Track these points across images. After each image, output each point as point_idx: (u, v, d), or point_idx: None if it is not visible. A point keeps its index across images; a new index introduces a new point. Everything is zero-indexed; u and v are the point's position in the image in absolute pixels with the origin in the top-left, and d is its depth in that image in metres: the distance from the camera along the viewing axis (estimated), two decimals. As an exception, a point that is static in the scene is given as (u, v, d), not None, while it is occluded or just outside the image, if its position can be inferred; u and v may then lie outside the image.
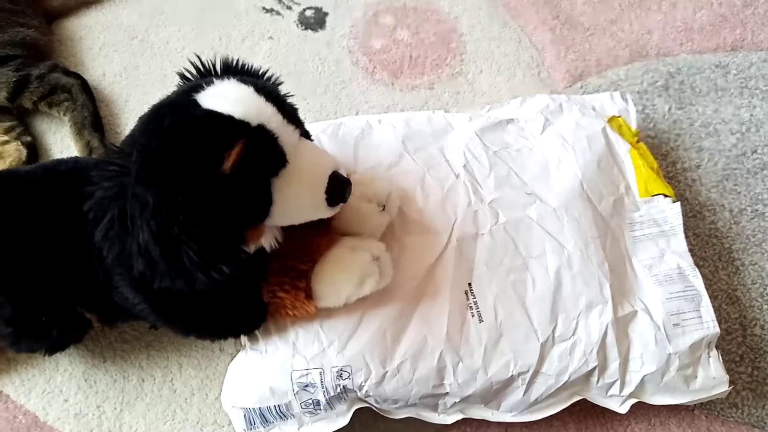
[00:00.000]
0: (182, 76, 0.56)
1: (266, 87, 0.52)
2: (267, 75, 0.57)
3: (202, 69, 0.55)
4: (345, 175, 0.55)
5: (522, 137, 0.75)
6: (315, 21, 0.98)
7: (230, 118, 0.47)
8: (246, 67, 0.56)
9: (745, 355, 0.76)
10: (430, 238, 0.65)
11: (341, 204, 0.56)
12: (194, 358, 0.75)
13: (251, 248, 0.55)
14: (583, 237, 0.66)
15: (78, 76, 0.88)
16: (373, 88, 0.93)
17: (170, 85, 0.89)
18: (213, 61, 0.54)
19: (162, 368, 0.75)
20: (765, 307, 0.79)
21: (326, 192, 0.53)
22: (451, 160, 0.72)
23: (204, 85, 0.49)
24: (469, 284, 0.64)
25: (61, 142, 0.87)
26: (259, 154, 0.48)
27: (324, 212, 0.56)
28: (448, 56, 0.96)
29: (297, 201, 0.52)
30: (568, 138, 0.74)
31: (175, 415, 0.72)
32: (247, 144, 0.47)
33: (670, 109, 0.93)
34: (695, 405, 0.73)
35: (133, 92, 0.91)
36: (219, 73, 0.54)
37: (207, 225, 0.47)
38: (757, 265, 0.82)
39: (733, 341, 0.76)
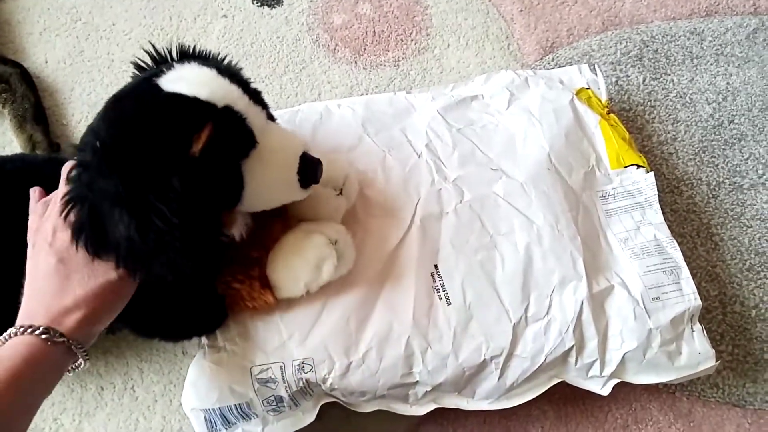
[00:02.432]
0: (137, 66, 0.53)
1: (229, 69, 0.51)
2: (226, 60, 0.54)
3: (157, 57, 0.52)
4: (316, 156, 0.53)
5: (487, 113, 0.72)
6: (272, -3, 0.93)
7: (196, 99, 0.45)
8: (204, 52, 0.53)
9: (726, 333, 0.73)
10: (393, 219, 0.62)
11: (313, 186, 0.54)
12: (156, 362, 0.71)
13: (232, 234, 0.53)
14: (552, 211, 0.62)
15: (16, 65, 0.82)
16: (336, 67, 0.88)
17: (118, 71, 0.87)
18: (168, 49, 0.52)
19: (122, 375, 0.70)
20: (745, 283, 0.76)
21: (298, 173, 0.51)
22: (413, 140, 0.68)
23: (164, 69, 0.47)
24: (435, 266, 0.60)
25: (3, 136, 0.82)
26: (228, 135, 0.46)
27: (297, 194, 0.54)
28: (413, 30, 0.92)
29: (269, 183, 0.51)
30: (534, 112, 0.70)
31: (137, 424, 0.68)
32: (215, 126, 0.45)
33: (644, 79, 0.90)
34: (676, 387, 0.70)
35: (79, 79, 0.86)
36: (176, 59, 0.52)
37: (186, 211, 0.44)
38: (736, 240, 0.79)
39: (714, 320, 0.74)
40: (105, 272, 0.46)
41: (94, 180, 0.44)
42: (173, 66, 0.48)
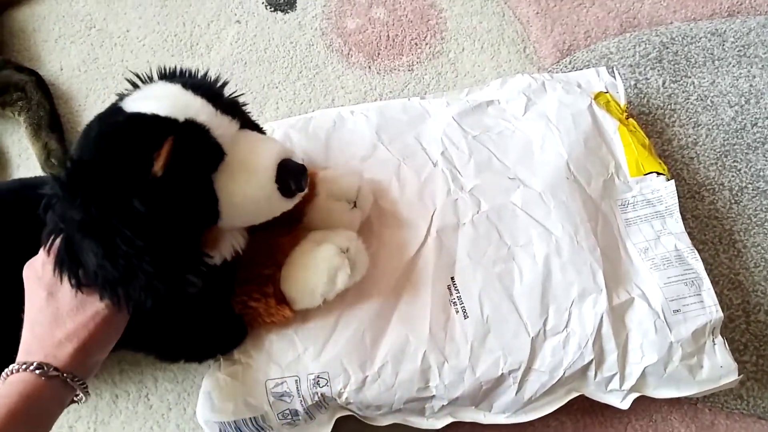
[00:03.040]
0: (120, 96, 0.51)
1: (195, 82, 0.49)
2: (210, 77, 0.53)
3: (138, 83, 0.51)
4: (299, 162, 0.51)
5: (503, 119, 0.70)
6: (285, 2, 0.92)
7: (155, 117, 0.44)
8: (185, 71, 0.52)
9: (750, 343, 0.71)
10: (409, 231, 0.61)
11: (300, 194, 0.52)
12: (170, 371, 0.71)
13: (216, 257, 0.51)
14: (572, 221, 0.61)
15: (32, 72, 0.82)
16: (349, 72, 0.87)
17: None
18: (149, 74, 0.51)
19: (136, 383, 0.71)
20: (769, 290, 0.75)
21: (277, 181, 0.49)
22: (428, 148, 0.67)
23: (130, 92, 0.47)
24: (452, 278, 0.59)
25: (19, 143, 0.82)
26: (192, 149, 0.45)
27: (281, 204, 0.51)
28: (428, 34, 0.91)
29: (245, 195, 0.48)
30: (551, 117, 0.69)
31: (152, 432, 0.69)
32: (176, 141, 0.43)
33: (664, 82, 0.88)
34: (698, 399, 0.69)
35: (94, 86, 0.86)
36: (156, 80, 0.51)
37: (154, 233, 0.43)
38: (759, 247, 0.77)
39: (737, 329, 0.72)
40: (93, 303, 0.46)
41: (65, 210, 0.43)
42: (139, 86, 0.48)
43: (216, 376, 0.59)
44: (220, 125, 0.47)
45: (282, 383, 0.57)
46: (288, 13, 0.91)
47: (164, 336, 0.58)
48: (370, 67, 0.88)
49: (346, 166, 0.65)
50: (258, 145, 0.49)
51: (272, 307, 0.55)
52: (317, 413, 0.59)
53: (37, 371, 0.44)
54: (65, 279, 0.45)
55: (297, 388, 0.56)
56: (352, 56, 0.89)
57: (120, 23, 0.91)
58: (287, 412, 0.58)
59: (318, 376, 0.56)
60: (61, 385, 0.45)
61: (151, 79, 0.50)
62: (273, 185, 0.49)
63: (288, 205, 0.52)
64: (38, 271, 0.48)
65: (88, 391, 0.48)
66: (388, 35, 0.91)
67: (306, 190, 0.53)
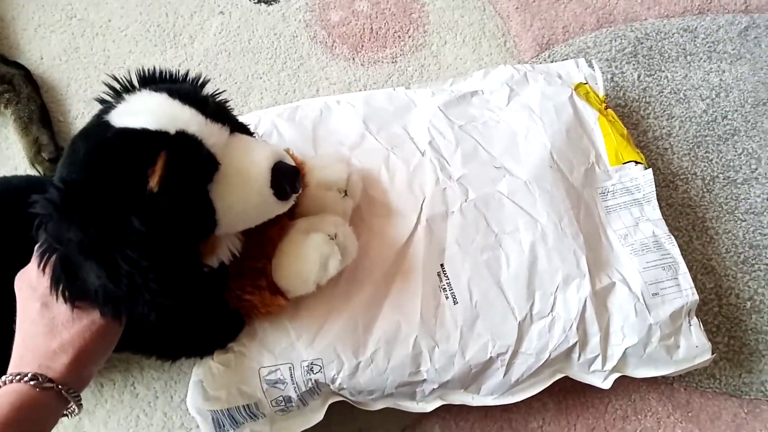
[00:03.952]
0: (101, 101, 0.50)
1: (180, 89, 0.47)
2: (192, 78, 0.52)
3: (119, 87, 0.49)
4: (291, 164, 0.51)
5: (488, 110, 0.72)
6: (268, -6, 0.92)
7: (145, 131, 0.43)
8: (165, 74, 0.51)
9: (722, 325, 0.75)
10: (399, 219, 0.62)
11: (294, 195, 0.52)
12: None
13: (213, 262, 0.51)
14: (556, 210, 0.63)
15: (20, 66, 0.81)
16: (333, 64, 0.88)
17: (115, 68, 0.86)
18: (128, 78, 0.49)
19: (122, 371, 0.70)
20: (740, 275, 0.78)
21: (272, 186, 0.48)
22: (416, 137, 0.68)
23: (115, 104, 0.46)
24: (442, 265, 0.61)
25: (5, 140, 0.81)
26: (186, 162, 0.44)
27: (277, 207, 0.51)
28: (411, 27, 0.92)
29: (242, 203, 0.48)
30: (534, 108, 0.71)
31: (138, 421, 0.69)
32: (170, 155, 0.42)
33: (639, 76, 0.91)
34: (674, 378, 0.72)
35: (75, 76, 0.85)
36: (137, 86, 0.49)
37: (154, 250, 0.43)
38: (730, 233, 0.81)
39: (710, 312, 0.75)
40: (88, 313, 0.46)
41: (59, 230, 0.42)
42: (123, 98, 0.46)
43: (208, 365, 0.59)
44: (212, 134, 0.46)
45: (275, 370, 0.57)
46: (272, 5, 0.92)
47: (163, 338, 0.58)
48: (354, 59, 0.89)
49: (335, 154, 0.65)
50: (250, 151, 0.49)
51: (267, 298, 0.56)
52: (310, 399, 0.60)
53: (32, 382, 0.43)
54: (60, 296, 0.44)
55: (291, 375, 0.57)
56: (336, 48, 0.90)
57: (101, 13, 0.89)
58: (281, 399, 0.58)
59: (312, 363, 0.57)
60: (55, 396, 0.44)
61: (131, 84, 0.48)
62: (269, 190, 0.48)
63: (284, 207, 0.52)
64: (32, 282, 0.47)
65: (81, 404, 0.47)
66: (371, 28, 0.91)
67: (300, 191, 0.53)
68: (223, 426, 0.59)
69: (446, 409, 0.69)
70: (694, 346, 0.62)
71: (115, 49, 0.87)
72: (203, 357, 0.60)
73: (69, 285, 0.44)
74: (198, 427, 0.67)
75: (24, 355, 0.45)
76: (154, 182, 0.42)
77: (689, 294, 0.63)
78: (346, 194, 0.60)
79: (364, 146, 0.67)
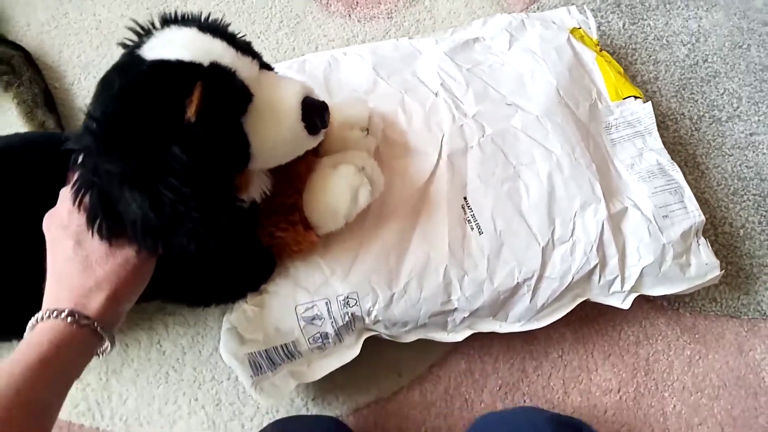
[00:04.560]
0: (123, 45, 0.49)
1: (210, 24, 0.48)
2: (211, 18, 0.51)
3: (141, 31, 0.49)
4: (320, 99, 0.51)
5: (491, 54, 0.74)
6: (260, -46, 0.92)
7: (180, 63, 0.43)
8: (186, 15, 0.50)
9: (719, 252, 0.79)
10: (420, 157, 0.63)
11: (323, 130, 0.53)
12: (180, 315, 0.71)
13: (246, 199, 0.51)
14: (569, 141, 0.66)
15: (18, 47, 0.77)
16: (330, 21, 0.88)
17: (107, 32, 0.84)
18: (151, 21, 0.49)
19: (146, 330, 0.70)
20: (731, 206, 0.82)
21: (303, 119, 0.49)
22: (427, 81, 0.70)
23: (144, 39, 0.46)
24: (465, 198, 0.62)
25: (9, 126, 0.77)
26: (221, 93, 0.44)
27: (307, 142, 0.52)
28: (403, -17, 0.93)
29: (274, 135, 0.48)
30: (536, 51, 0.73)
31: (168, 377, 0.68)
32: (205, 85, 0.43)
33: (624, 25, 0.95)
34: (679, 304, 0.76)
35: (67, 41, 0.83)
36: (158, 27, 0.49)
37: (195, 179, 0.43)
38: (720, 168, 0.85)
39: (707, 241, 0.79)
40: (122, 250, 0.46)
41: (98, 164, 0.42)
42: (153, 34, 0.46)
43: (242, 308, 0.59)
44: (244, 67, 0.46)
45: (312, 307, 0.58)
46: (264, -37, 0.91)
47: (196, 282, 0.57)
48: (350, 15, 0.89)
49: (353, 97, 0.66)
50: (281, 85, 0.49)
51: (300, 234, 0.56)
52: (346, 335, 0.61)
53: (68, 319, 0.43)
54: (96, 233, 0.44)
55: (328, 310, 0.58)
56: (331, 5, 0.90)
57: (89, -24, 0.87)
58: (318, 335, 0.59)
59: (348, 297, 0.58)
60: (91, 333, 0.44)
61: (154, 27, 0.48)
62: (300, 124, 0.49)
63: (313, 142, 0.52)
64: (63, 221, 0.46)
65: (115, 342, 0.47)
66: (364, -16, 0.92)
67: (328, 126, 0.54)
68: (261, 368, 0.60)
69: (470, 345, 0.71)
70: (704, 264, 0.65)
71: (106, 13, 0.85)
72: (235, 301, 0.60)
73: (106, 220, 0.44)
74: (229, 378, 0.68)
75: (59, 293, 0.45)
76: (191, 112, 0.42)
77: (696, 215, 0.66)
78: (368, 132, 0.61)
79: (377, 91, 0.68)
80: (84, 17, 0.84)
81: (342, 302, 0.58)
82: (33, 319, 0.44)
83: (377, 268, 0.59)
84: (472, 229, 0.61)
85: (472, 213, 0.62)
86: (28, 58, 0.78)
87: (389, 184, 0.62)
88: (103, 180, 0.43)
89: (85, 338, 0.44)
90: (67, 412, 0.67)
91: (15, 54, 0.77)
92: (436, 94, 0.68)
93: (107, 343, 0.46)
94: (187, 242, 0.44)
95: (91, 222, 0.44)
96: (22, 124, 0.75)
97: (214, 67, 0.44)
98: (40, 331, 0.43)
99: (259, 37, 0.86)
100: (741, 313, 0.77)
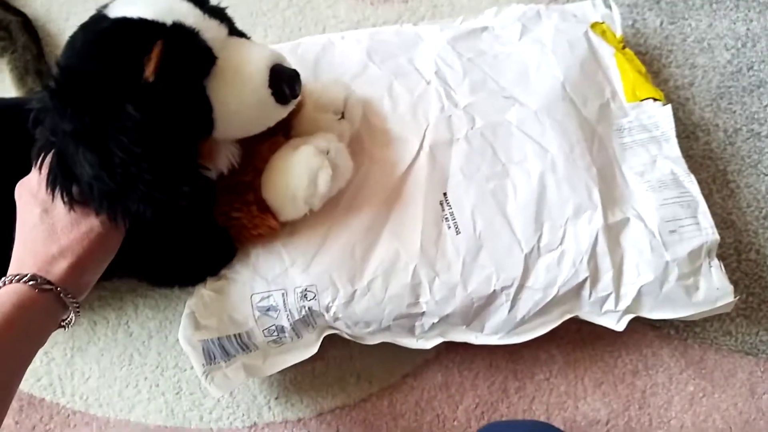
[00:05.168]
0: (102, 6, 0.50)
1: None
2: None
3: None
4: (292, 68, 0.50)
5: (498, 44, 0.69)
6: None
7: (142, 21, 0.43)
8: None
9: (740, 281, 0.71)
10: (400, 146, 0.59)
11: (294, 101, 0.51)
12: (151, 298, 0.69)
13: (212, 171, 0.50)
14: (567, 140, 0.60)
15: (19, 13, 0.77)
16: (342, 2, 0.85)
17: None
18: None
19: (116, 310, 0.68)
20: (761, 231, 0.74)
21: (270, 86, 0.48)
22: (421, 68, 0.65)
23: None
24: (444, 194, 0.58)
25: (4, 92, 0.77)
26: (182, 53, 0.44)
27: (276, 112, 0.50)
28: (422, -33, 0.88)
29: (238, 101, 0.47)
30: (547, 43, 0.68)
31: (132, 359, 0.67)
32: (166, 44, 0.43)
33: (661, 23, 0.87)
34: (688, 334, 0.68)
35: (74, 9, 0.82)
36: None
37: (150, 140, 0.43)
38: (752, 188, 0.76)
39: (728, 267, 0.71)
40: (88, 219, 0.46)
41: (56, 122, 0.42)
42: None
43: (200, 293, 0.57)
44: (209, 28, 0.45)
45: (268, 296, 0.55)
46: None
47: (156, 258, 0.57)
48: (362, -3, 0.85)
49: (334, 80, 0.62)
50: (249, 49, 0.48)
51: (256, 216, 0.53)
52: (304, 331, 0.57)
53: (30, 282, 0.43)
54: (58, 195, 0.44)
55: (284, 301, 0.55)
56: (343, -14, 0.86)
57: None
58: (273, 328, 0.56)
59: (306, 289, 0.55)
60: (54, 299, 0.44)
61: None
62: (267, 90, 0.47)
63: (282, 112, 0.51)
64: (33, 188, 0.47)
65: (79, 312, 0.47)
66: (380, -34, 0.88)
67: (300, 98, 0.52)
68: (214, 357, 0.57)
69: (449, 358, 0.66)
70: (715, 288, 0.58)
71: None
72: (195, 285, 0.58)
73: (65, 183, 0.44)
74: (192, 368, 0.65)
75: (23, 259, 0.45)
76: (149, 71, 0.42)
77: (709, 233, 0.59)
78: (342, 116, 0.57)
79: (366, 75, 0.64)
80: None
81: (299, 295, 0.55)
82: None
83: (340, 261, 0.55)
84: (449, 227, 0.57)
85: (450, 210, 0.57)
86: (26, 23, 0.77)
87: (367, 174, 0.58)
88: (59, 139, 0.42)
89: (47, 303, 0.44)
90: (29, 384, 0.66)
91: (13, 19, 0.77)
92: (428, 82, 0.63)
93: (71, 314, 0.47)
94: (143, 208, 0.44)
95: (51, 185, 0.44)
96: (14, 91, 0.75)
97: (177, 26, 0.43)
98: (3, 294, 0.43)
99: (265, 15, 0.83)
100: (759, 350, 0.68)
